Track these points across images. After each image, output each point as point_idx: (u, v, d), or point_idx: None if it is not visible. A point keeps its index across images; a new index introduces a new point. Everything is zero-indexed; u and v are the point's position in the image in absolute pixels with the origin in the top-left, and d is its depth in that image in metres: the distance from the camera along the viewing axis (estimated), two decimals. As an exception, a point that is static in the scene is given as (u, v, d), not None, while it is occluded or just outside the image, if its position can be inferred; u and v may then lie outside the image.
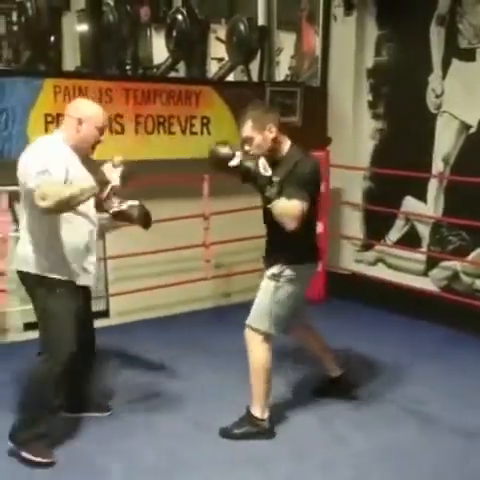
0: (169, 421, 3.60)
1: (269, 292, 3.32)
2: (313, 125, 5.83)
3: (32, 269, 3.05)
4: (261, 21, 6.23)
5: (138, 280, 5.04)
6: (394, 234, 5.64)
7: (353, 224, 5.95)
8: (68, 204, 2.83)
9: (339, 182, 5.82)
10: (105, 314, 5.09)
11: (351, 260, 6.01)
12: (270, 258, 3.40)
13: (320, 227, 5.61)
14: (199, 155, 5.10)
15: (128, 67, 5.69)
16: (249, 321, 3.37)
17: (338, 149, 5.81)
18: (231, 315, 5.34)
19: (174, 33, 5.73)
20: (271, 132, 3.20)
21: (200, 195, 5.05)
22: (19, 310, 4.58)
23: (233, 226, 5.30)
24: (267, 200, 3.16)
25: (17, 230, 4.35)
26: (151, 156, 4.88)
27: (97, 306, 4.98)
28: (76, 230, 3.07)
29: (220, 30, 6.46)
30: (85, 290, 3.26)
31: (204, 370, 4.28)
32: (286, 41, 6.68)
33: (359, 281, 5.76)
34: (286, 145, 3.28)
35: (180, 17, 5.77)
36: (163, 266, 5.16)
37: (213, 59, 6.54)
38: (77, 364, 3.19)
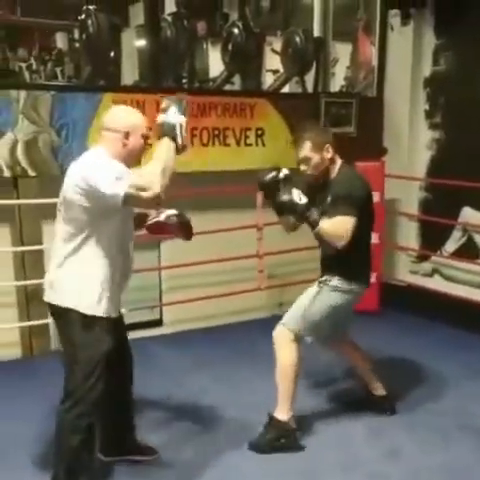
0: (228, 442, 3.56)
1: (310, 295, 3.36)
2: (369, 135, 5.80)
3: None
4: (317, 32, 6.24)
5: (192, 290, 5.10)
6: (451, 245, 5.55)
7: (409, 235, 5.88)
8: (169, 171, 2.61)
9: (395, 193, 5.76)
10: (159, 323, 5.18)
11: (406, 271, 5.93)
12: (323, 270, 3.45)
13: (375, 238, 5.61)
14: (253, 166, 5.17)
15: (184, 80, 5.79)
16: (283, 320, 3.39)
17: (394, 159, 5.76)
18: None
19: (230, 46, 5.79)
20: (328, 152, 3.27)
21: (254, 206, 5.09)
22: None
23: (286, 237, 5.29)
24: (312, 226, 3.15)
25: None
26: (206, 168, 4.97)
27: (151, 315, 5.11)
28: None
29: (275, 42, 6.51)
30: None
31: (257, 379, 4.28)
32: (341, 52, 6.66)
33: (414, 292, 5.68)
34: (338, 164, 3.34)
35: (236, 31, 5.83)
36: (217, 276, 5.21)
37: (268, 71, 6.58)
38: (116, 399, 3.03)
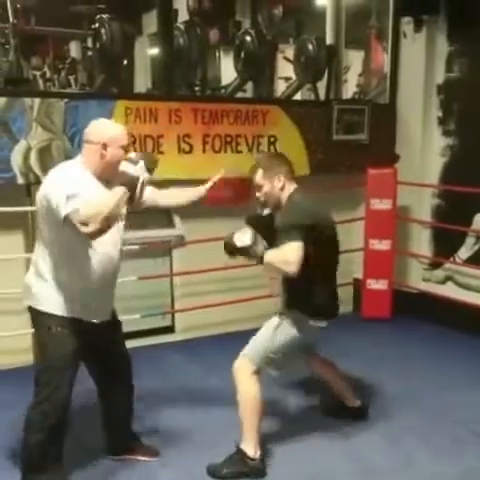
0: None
1: (271, 328, 3.27)
2: (381, 142, 5.80)
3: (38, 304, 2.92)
4: (329, 40, 6.25)
5: (203, 296, 5.11)
6: (464, 252, 5.52)
7: (421, 242, 5.85)
8: (112, 219, 2.64)
9: (407, 199, 5.74)
10: (170, 330, 5.19)
11: (419, 279, 5.90)
12: (284, 302, 3.38)
13: (387, 245, 5.61)
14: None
15: (197, 88, 5.81)
16: (244, 351, 3.29)
17: (406, 166, 5.74)
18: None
19: (242, 54, 5.81)
20: (279, 181, 3.22)
21: (266, 212, 5.09)
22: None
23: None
24: (259, 262, 3.06)
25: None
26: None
27: (162, 322, 5.11)
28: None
29: (288, 50, 6.53)
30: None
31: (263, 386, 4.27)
32: (354, 59, 6.68)
33: (427, 300, 5.65)
34: (288, 192, 3.24)
35: (248, 38, 5.85)
36: (228, 283, 5.19)
37: (280, 78, 6.60)
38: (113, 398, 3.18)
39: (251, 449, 3.23)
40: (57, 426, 2.89)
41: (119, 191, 2.66)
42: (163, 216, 5.02)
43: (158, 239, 4.82)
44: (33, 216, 4.46)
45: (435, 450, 3.49)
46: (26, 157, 4.40)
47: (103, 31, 5.22)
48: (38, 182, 4.40)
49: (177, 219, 5.09)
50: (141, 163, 2.72)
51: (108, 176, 2.82)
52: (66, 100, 4.59)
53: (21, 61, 5.19)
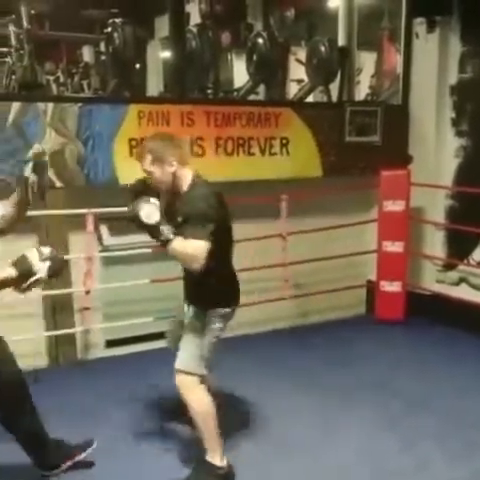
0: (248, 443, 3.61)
1: (197, 332, 3.14)
2: (394, 144, 5.78)
3: None
4: (341, 42, 6.24)
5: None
6: (478, 254, 5.48)
7: (435, 243, 5.82)
8: None
9: (421, 201, 5.72)
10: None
11: (432, 280, 5.87)
12: (189, 299, 3.27)
13: (400, 247, 5.59)
14: (278, 176, 5.22)
15: (209, 91, 5.82)
16: (180, 366, 3.12)
17: (420, 167, 5.72)
18: (308, 335, 5.36)
19: (254, 57, 5.82)
20: (171, 166, 3.01)
21: (278, 215, 5.10)
22: (102, 327, 4.75)
23: (310, 246, 5.31)
24: (163, 245, 2.91)
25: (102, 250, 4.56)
26: (231, 177, 4.97)
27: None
28: None
29: (300, 52, 6.53)
30: None
31: (280, 390, 4.29)
32: (366, 60, 6.66)
33: (441, 302, 5.62)
34: (188, 179, 3.07)
35: (261, 41, 5.86)
36: (241, 286, 5.15)
37: (292, 81, 6.60)
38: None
39: (217, 458, 3.16)
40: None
41: (10, 272, 2.55)
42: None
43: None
44: (47, 220, 4.50)
45: (450, 454, 3.48)
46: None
47: (116, 35, 5.24)
48: (52, 186, 4.46)
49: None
50: (48, 263, 2.60)
51: None
52: (79, 104, 4.62)
53: (35, 66, 5.22)
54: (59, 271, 2.69)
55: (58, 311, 4.63)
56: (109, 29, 5.29)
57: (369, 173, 5.59)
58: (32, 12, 5.49)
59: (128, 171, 4.29)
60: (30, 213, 4.34)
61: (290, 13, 6.55)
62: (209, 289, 3.09)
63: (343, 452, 3.49)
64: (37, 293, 4.58)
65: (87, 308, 4.59)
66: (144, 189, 3.04)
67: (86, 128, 4.57)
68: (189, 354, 3.11)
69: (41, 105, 4.46)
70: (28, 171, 2.68)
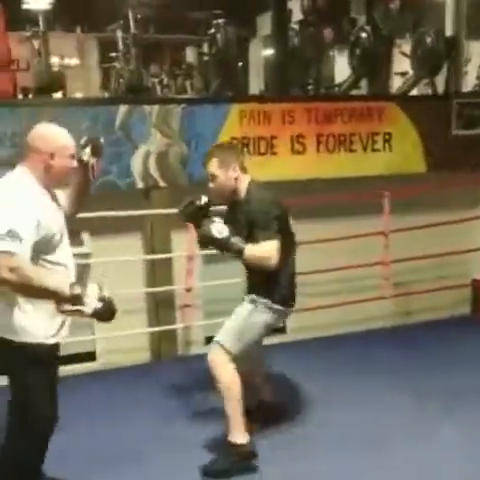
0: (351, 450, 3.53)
1: (245, 314, 3.25)
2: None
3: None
4: (449, 31, 6.02)
5: (315, 297, 5.04)
6: None
7: None
8: (33, 292, 2.47)
9: None
10: (282, 330, 5.18)
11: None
12: (248, 288, 3.39)
13: None
14: (380, 172, 5.11)
15: (310, 87, 5.80)
16: (220, 339, 3.25)
17: None
18: (409, 335, 5.22)
19: (357, 51, 5.75)
20: (235, 171, 3.19)
21: (379, 212, 4.99)
22: (202, 324, 4.85)
23: (412, 243, 5.16)
24: (237, 256, 3.09)
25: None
26: (332, 174, 4.94)
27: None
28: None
29: (404, 44, 6.37)
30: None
31: (379, 390, 4.19)
32: (475, 50, 6.39)
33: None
34: (245, 184, 3.23)
35: (364, 35, 5.78)
36: (340, 284, 5.14)
37: (396, 74, 6.45)
38: None
39: (241, 436, 3.25)
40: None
41: (64, 288, 2.45)
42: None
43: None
44: (151, 219, 4.64)
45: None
46: (145, 162, 4.57)
47: (218, 36, 5.33)
48: (156, 186, 4.60)
49: (290, 220, 5.11)
50: (99, 304, 2.51)
51: (53, 185, 2.70)
52: (183, 105, 4.72)
53: (141, 69, 5.40)
54: (104, 317, 2.54)
55: (160, 308, 4.77)
56: (212, 30, 5.38)
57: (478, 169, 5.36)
58: (138, 16, 5.69)
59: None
60: (136, 213, 4.54)
61: (395, 5, 6.39)
62: (268, 280, 3.21)
63: (438, 456, 3.37)
64: (141, 290, 4.74)
65: (188, 305, 4.69)
66: (196, 210, 3.25)
67: (189, 128, 4.66)
68: (230, 333, 3.25)
69: (147, 107, 4.60)
70: (87, 155, 2.78)
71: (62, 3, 5.98)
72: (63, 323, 2.71)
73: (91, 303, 2.48)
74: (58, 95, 5.41)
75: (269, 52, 5.94)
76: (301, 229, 5.02)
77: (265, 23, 6.35)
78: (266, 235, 3.06)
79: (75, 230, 4.57)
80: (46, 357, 2.66)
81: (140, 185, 4.57)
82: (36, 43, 5.13)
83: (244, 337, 3.23)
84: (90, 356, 4.62)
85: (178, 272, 4.68)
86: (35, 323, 2.60)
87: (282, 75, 5.31)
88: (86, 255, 4.62)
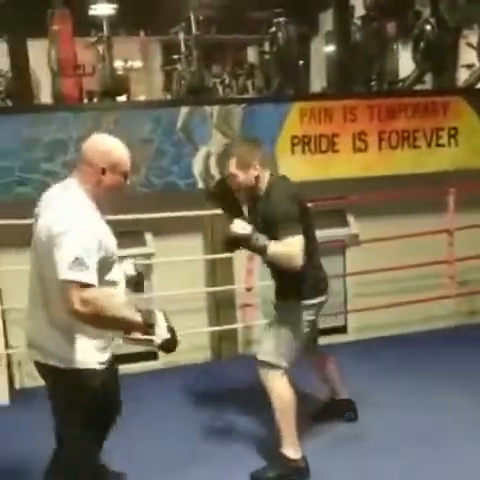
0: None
1: (283, 324, 3.20)
2: None
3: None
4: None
5: (377, 296, 4.99)
6: None
7: None
8: (105, 323, 2.33)
9: None
10: (343, 330, 5.16)
11: None
12: (279, 295, 3.31)
13: None
14: (445, 167, 4.98)
15: (373, 83, 5.71)
16: (264, 357, 3.19)
17: None
18: (475, 334, 5.07)
19: (421, 44, 5.62)
20: (255, 170, 3.13)
21: (444, 209, 4.87)
22: (263, 324, 4.83)
23: (478, 241, 5.00)
24: (261, 253, 3.03)
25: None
26: (394, 171, 4.86)
27: (335, 322, 5.08)
28: None
29: (471, 36, 6.15)
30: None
31: (440, 391, 4.11)
32: None
33: None
34: (265, 181, 3.18)
35: (428, 27, 5.65)
36: (403, 283, 5.03)
37: (462, 66, 6.25)
38: None
39: (292, 451, 3.20)
40: None
41: (138, 320, 2.34)
42: (337, 215, 5.02)
43: (332, 238, 4.83)
44: (212, 219, 4.67)
45: None
46: (206, 163, 4.61)
47: (279, 34, 5.33)
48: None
49: (351, 218, 5.06)
50: (168, 335, 2.40)
51: (101, 202, 2.49)
52: (243, 105, 4.74)
53: (203, 70, 5.45)
54: (169, 348, 2.42)
55: (221, 307, 4.81)
56: (273, 29, 5.39)
57: None
58: (200, 18, 5.74)
59: (290, 168, 4.32)
60: (196, 213, 4.59)
61: (462, -5, 6.19)
62: (295, 279, 3.13)
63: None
64: (201, 290, 4.79)
65: (248, 305, 4.71)
66: (226, 188, 3.20)
67: (249, 128, 4.67)
68: (271, 348, 3.21)
69: (208, 108, 4.64)
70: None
71: (126, 7, 6.11)
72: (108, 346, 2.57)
73: (161, 333, 2.38)
74: (122, 98, 5.54)
75: (331, 49, 5.88)
76: (363, 227, 5.01)
77: (328, 20, 6.29)
78: (289, 231, 2.97)
79: (138, 231, 4.75)
80: (98, 383, 2.50)
81: (201, 185, 4.61)
82: (100, 48, 5.27)
83: (288, 347, 3.20)
84: (152, 355, 4.67)
85: (238, 272, 4.71)
86: (88, 349, 2.46)
87: (344, 72, 5.24)
88: (149, 255, 4.73)
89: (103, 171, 2.43)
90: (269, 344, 3.24)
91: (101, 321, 2.28)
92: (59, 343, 2.44)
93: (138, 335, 2.38)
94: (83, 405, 2.49)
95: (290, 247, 2.96)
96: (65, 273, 2.22)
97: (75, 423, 2.53)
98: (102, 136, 2.58)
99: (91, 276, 2.25)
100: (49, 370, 2.51)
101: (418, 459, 3.34)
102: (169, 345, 2.40)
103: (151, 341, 2.38)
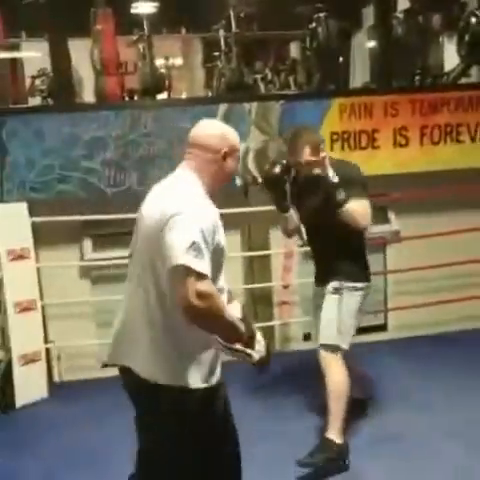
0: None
1: (334, 306, 3.24)
2: None
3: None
4: None
5: (417, 295, 4.91)
6: None
7: None
8: (215, 326, 2.05)
9: None
10: (383, 328, 5.09)
11: None
12: (326, 276, 3.34)
13: None
14: (489, 163, 4.86)
15: (417, 77, 5.59)
16: (324, 340, 3.24)
17: None
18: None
19: (467, 37, 5.47)
20: (323, 151, 3.28)
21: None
22: (300, 321, 4.83)
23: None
24: (339, 205, 3.12)
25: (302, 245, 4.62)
26: (436, 167, 4.76)
27: (375, 320, 5.02)
28: None
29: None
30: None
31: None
32: None
33: None
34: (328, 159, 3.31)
35: (473, 20, 5.49)
36: (445, 281, 4.94)
37: (510, 60, 6.07)
38: None
39: (338, 436, 3.23)
40: None
41: (241, 331, 2.13)
42: (378, 212, 4.94)
43: (373, 235, 4.76)
44: (250, 216, 4.67)
45: None
46: (244, 160, 4.60)
47: (319, 30, 5.27)
48: (255, 183, 4.62)
49: (392, 215, 4.98)
50: (263, 352, 2.22)
51: (216, 192, 2.28)
52: (282, 102, 4.72)
53: (242, 67, 5.44)
54: (264, 366, 2.25)
55: (258, 304, 4.80)
56: (314, 24, 5.33)
57: None
58: (241, 15, 5.72)
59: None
60: (235, 210, 4.58)
61: (511, -15, 6.01)
62: (350, 260, 3.30)
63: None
64: (239, 287, 4.79)
65: (286, 302, 4.69)
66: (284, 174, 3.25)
67: (288, 124, 4.63)
68: (328, 331, 3.27)
69: (246, 105, 4.64)
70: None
71: (167, 5, 6.15)
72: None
73: (260, 349, 2.20)
74: (163, 96, 5.57)
75: (373, 43, 5.80)
76: (404, 224, 4.93)
77: (370, 15, 6.20)
78: (364, 194, 3.16)
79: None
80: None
81: (238, 182, 4.60)
82: (141, 46, 5.32)
83: (346, 328, 3.26)
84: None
85: (276, 269, 4.70)
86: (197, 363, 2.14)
87: (386, 67, 5.16)
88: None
89: (224, 156, 2.26)
90: (326, 328, 3.29)
91: (212, 321, 2.01)
92: (168, 355, 2.11)
93: (239, 346, 2.16)
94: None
95: (364, 207, 3.14)
96: (181, 258, 1.94)
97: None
98: (211, 121, 2.42)
99: (207, 267, 1.98)
100: (145, 384, 2.13)
101: (460, 459, 3.28)
102: (264, 362, 2.23)
103: (249, 356, 2.18)
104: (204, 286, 1.93)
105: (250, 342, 2.17)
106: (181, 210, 2.04)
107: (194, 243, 1.96)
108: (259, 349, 2.20)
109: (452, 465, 3.24)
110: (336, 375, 3.23)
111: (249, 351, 2.18)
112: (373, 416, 3.73)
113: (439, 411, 3.82)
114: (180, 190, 2.19)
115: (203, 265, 1.95)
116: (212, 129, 2.31)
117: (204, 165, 2.24)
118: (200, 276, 1.94)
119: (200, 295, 1.91)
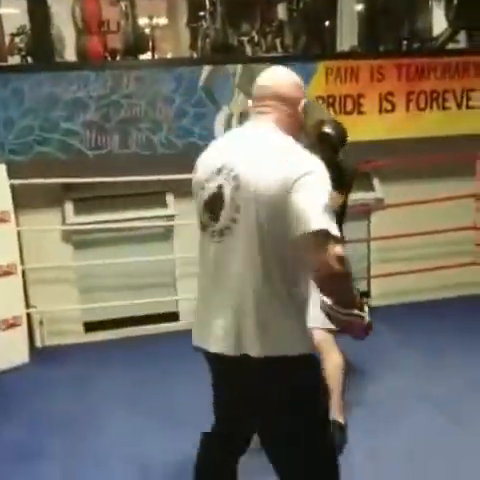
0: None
1: None
2: None
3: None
4: None
5: (401, 262, 4.92)
6: None
7: None
8: (341, 291, 1.93)
9: None
10: (366, 295, 5.06)
11: None
12: None
13: None
14: (475, 131, 4.81)
15: (405, 42, 5.52)
16: (315, 323, 3.00)
17: None
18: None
19: (454, 1, 5.39)
20: None
21: (471, 174, 4.73)
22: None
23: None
24: None
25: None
26: (422, 133, 4.72)
27: (358, 287, 5.02)
28: None
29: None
30: None
31: (465, 362, 4.05)
32: None
33: None
34: None
35: (462, -18, 5.41)
36: (428, 249, 4.94)
37: (498, 25, 5.99)
38: None
39: (340, 416, 3.20)
40: None
41: (357, 295, 2.08)
42: (362, 179, 4.92)
43: (357, 202, 4.74)
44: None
45: None
46: (228, 124, 4.52)
47: (306, -10, 5.18)
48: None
49: (377, 182, 4.96)
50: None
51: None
52: (267, 64, 4.62)
53: (227, 28, 5.32)
54: (370, 329, 2.18)
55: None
56: (301, -16, 5.24)
57: None
58: (227, -27, 5.58)
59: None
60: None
61: None
62: None
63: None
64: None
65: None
66: None
67: (273, 88, 4.57)
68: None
69: (230, 67, 4.55)
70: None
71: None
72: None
73: (367, 313, 2.14)
74: (147, 57, 5.47)
75: (361, 7, 5.70)
76: (388, 191, 4.91)
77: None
78: None
79: (160, 191, 4.71)
80: None
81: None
82: (124, 4, 5.18)
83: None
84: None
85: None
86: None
87: (372, 31, 5.10)
88: (171, 217, 4.72)
89: (300, 105, 2.07)
90: (314, 310, 3.20)
91: (343, 286, 1.89)
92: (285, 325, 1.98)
93: (354, 310, 2.09)
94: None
95: None
96: (320, 222, 1.77)
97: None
98: (282, 69, 2.20)
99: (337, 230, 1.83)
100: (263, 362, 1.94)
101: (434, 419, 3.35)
102: (371, 327, 2.16)
103: (362, 318, 2.12)
104: (342, 250, 1.80)
105: (361, 305, 2.14)
106: (311, 169, 1.87)
107: (326, 205, 1.82)
108: (366, 312, 2.16)
109: (425, 425, 3.31)
110: (331, 357, 3.17)
111: (361, 313, 2.13)
112: (353, 382, 3.71)
113: (418, 377, 3.85)
114: (289, 147, 1.98)
115: (337, 228, 1.82)
116: (290, 79, 2.12)
117: (285, 117, 2.06)
118: (337, 240, 1.80)
119: (340, 259, 1.78)
